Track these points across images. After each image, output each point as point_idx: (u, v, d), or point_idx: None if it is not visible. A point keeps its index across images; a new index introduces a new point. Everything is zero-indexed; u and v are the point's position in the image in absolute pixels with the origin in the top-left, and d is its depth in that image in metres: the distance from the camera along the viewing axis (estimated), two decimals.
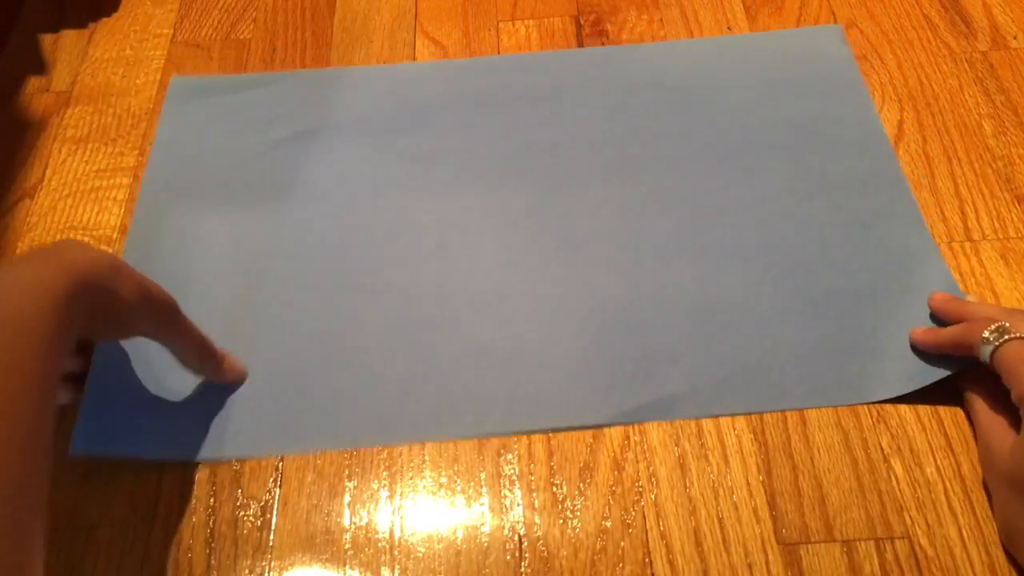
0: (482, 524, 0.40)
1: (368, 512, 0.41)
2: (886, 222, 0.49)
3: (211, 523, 0.40)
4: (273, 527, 0.40)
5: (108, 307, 0.36)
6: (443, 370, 0.45)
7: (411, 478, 0.42)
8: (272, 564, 0.39)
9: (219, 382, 0.44)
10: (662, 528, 0.39)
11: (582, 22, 0.61)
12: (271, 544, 0.40)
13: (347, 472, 0.42)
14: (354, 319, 0.47)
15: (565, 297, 0.47)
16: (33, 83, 0.59)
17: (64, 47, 0.61)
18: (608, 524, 0.40)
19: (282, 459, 0.42)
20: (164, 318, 0.40)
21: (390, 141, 0.55)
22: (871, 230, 0.48)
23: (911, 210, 0.49)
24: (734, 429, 0.42)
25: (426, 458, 0.42)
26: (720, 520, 0.39)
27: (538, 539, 0.39)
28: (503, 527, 0.40)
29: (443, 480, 0.41)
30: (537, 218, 0.51)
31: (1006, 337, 0.37)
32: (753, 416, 0.42)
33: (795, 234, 0.49)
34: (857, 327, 0.45)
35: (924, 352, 0.43)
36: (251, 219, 0.51)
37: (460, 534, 0.40)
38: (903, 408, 0.42)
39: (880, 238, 0.48)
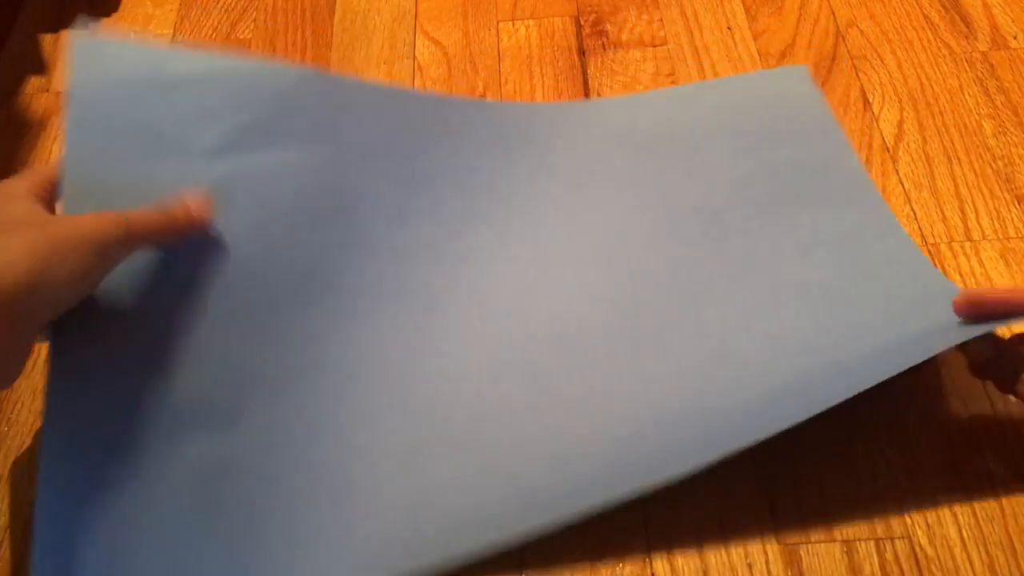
0: None
1: None
2: (891, 273, 0.43)
3: None
4: None
5: (48, 304, 0.33)
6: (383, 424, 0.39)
7: None
8: None
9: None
10: (662, 528, 0.39)
11: (582, 22, 0.61)
12: None
13: None
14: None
15: (521, 394, 0.41)
16: (33, 83, 0.59)
17: (64, 47, 0.61)
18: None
19: None
20: (120, 255, 0.36)
21: (345, 177, 0.45)
22: (876, 283, 0.43)
23: (917, 259, 0.44)
24: None
25: None
26: (720, 520, 0.39)
27: (540, 539, 0.39)
28: None
29: None
30: (498, 301, 0.44)
31: None
32: None
33: (791, 307, 0.43)
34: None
35: (978, 316, 0.37)
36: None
37: None
38: (904, 407, 0.42)
39: (886, 293, 0.42)
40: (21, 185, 0.36)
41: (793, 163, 0.50)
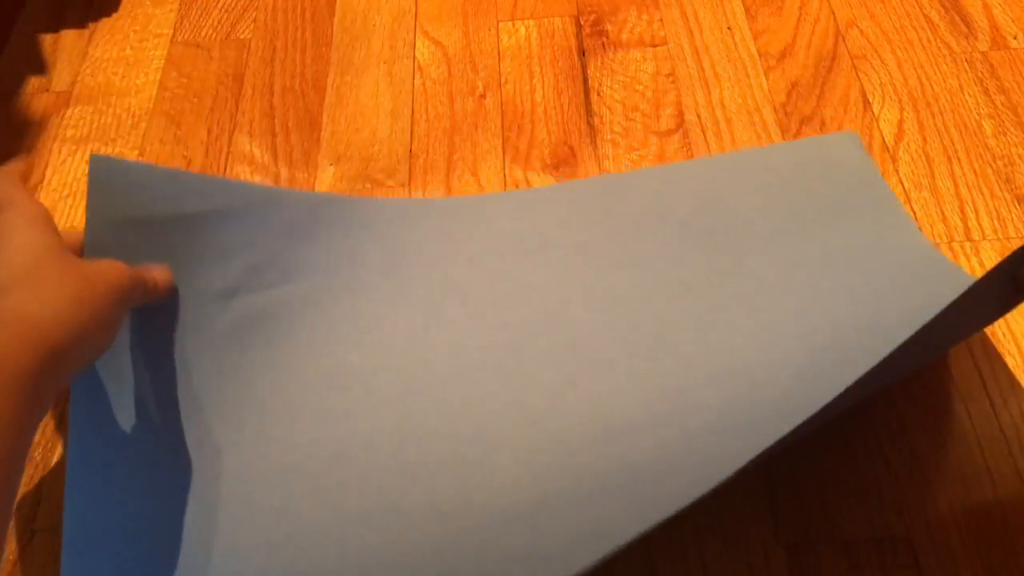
0: None
1: None
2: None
3: None
4: None
5: (90, 349, 0.33)
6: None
7: None
8: None
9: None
10: (663, 528, 0.39)
11: (582, 22, 0.61)
12: None
13: None
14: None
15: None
16: (33, 83, 0.59)
17: (64, 47, 0.61)
18: None
19: None
20: (133, 303, 0.37)
21: (367, 298, 0.45)
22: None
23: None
24: None
25: None
26: (720, 520, 0.39)
27: None
28: None
29: None
30: (535, 391, 0.41)
31: None
32: None
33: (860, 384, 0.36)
34: None
35: None
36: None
37: None
38: (904, 407, 0.42)
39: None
40: (33, 208, 0.35)
41: (852, 241, 0.46)
